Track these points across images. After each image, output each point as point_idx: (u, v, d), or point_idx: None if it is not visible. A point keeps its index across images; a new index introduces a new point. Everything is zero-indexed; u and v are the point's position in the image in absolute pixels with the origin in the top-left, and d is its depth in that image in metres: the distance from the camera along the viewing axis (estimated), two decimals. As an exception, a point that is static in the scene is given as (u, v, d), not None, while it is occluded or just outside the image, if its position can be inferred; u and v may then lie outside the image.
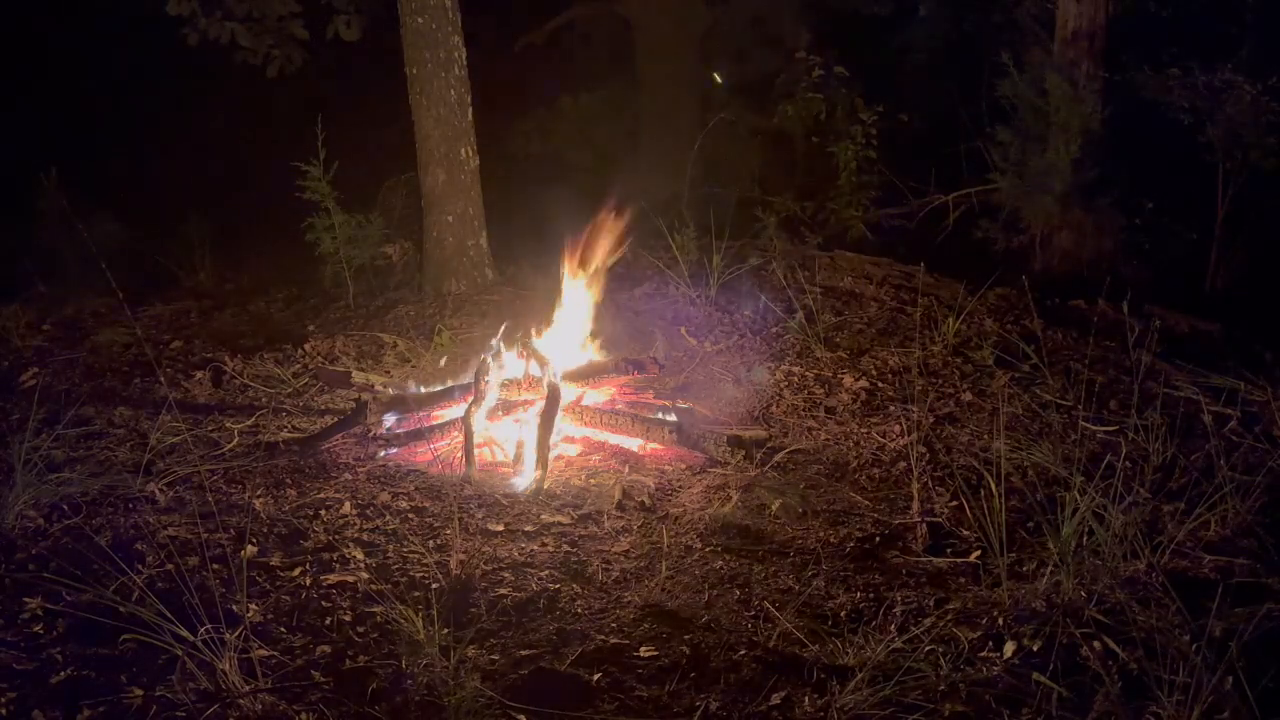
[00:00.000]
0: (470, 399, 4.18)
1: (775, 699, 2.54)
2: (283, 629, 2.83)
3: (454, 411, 4.33)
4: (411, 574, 3.17)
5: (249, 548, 3.22)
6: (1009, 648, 2.67)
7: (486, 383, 4.22)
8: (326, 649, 2.75)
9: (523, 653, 2.75)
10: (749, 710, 2.51)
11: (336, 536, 3.37)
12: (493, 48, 8.59)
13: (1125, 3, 7.12)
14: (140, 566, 3.04)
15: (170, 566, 3.05)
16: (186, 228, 7.53)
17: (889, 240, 7.82)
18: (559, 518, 3.61)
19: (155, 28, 7.31)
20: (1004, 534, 2.96)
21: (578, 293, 4.77)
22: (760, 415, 4.53)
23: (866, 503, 3.74)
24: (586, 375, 4.53)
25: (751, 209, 7.73)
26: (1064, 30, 7.14)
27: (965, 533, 3.41)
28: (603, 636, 2.85)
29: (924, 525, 3.43)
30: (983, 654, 2.68)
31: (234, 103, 9.71)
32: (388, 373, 5.16)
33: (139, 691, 2.50)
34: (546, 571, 3.22)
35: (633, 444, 4.30)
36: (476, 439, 4.07)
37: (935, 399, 4.54)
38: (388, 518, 3.53)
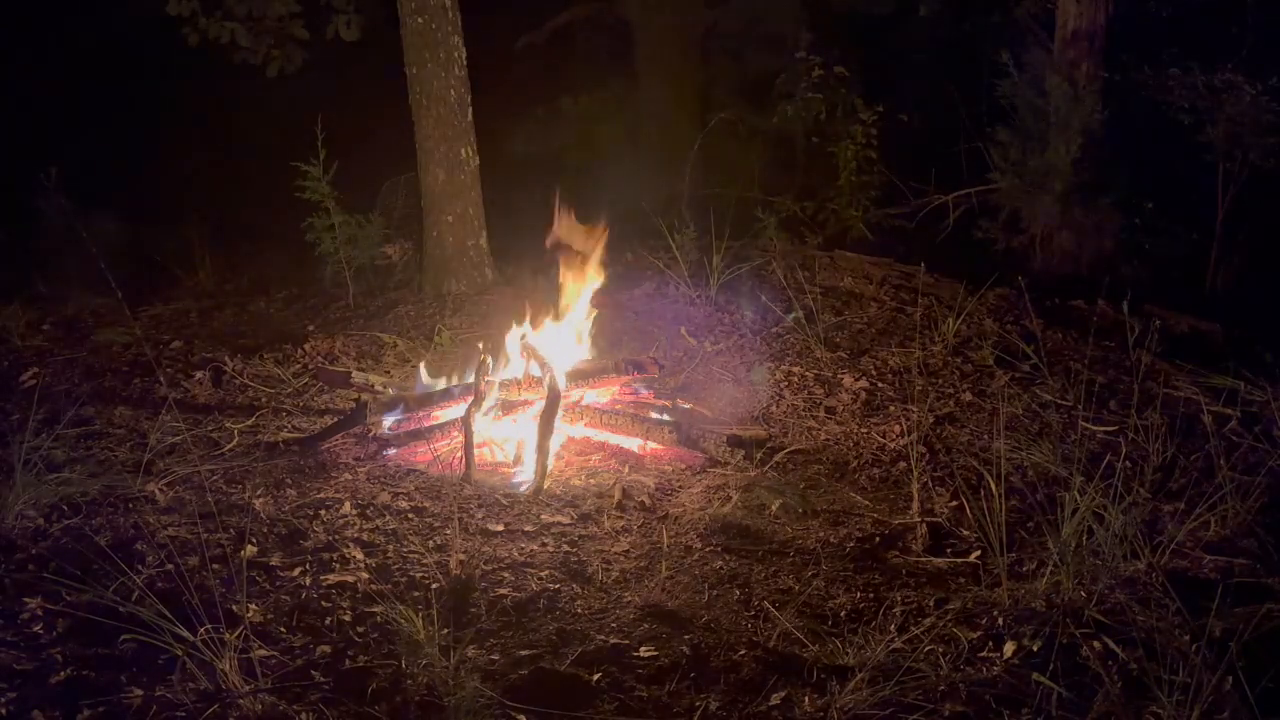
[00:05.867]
0: (470, 399, 4.18)
1: (775, 699, 2.54)
2: (283, 629, 2.83)
3: (454, 411, 4.33)
4: (411, 574, 3.17)
5: (249, 548, 3.22)
6: (1009, 648, 2.67)
7: (487, 383, 4.22)
8: (326, 649, 2.75)
9: (523, 653, 2.75)
10: (749, 710, 2.51)
11: (336, 536, 3.37)
12: (493, 48, 8.59)
13: (1125, 3, 7.11)
14: (140, 566, 3.04)
15: (170, 566, 3.05)
16: (186, 228, 7.53)
17: (889, 240, 7.82)
18: (559, 518, 3.61)
19: (155, 27, 7.30)
20: (1004, 534, 2.96)
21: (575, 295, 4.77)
22: (760, 415, 4.53)
23: (866, 503, 3.74)
24: (587, 375, 4.53)
25: (751, 209, 7.73)
26: (1064, 30, 7.14)
27: (965, 533, 3.41)
28: (603, 636, 2.85)
29: (924, 525, 3.43)
30: (983, 654, 2.68)
31: (234, 103, 9.71)
32: (388, 373, 5.16)
33: (139, 691, 2.50)
34: (546, 571, 3.22)
35: (633, 444, 4.30)
36: (476, 439, 4.07)
37: (935, 399, 4.54)
38: (388, 518, 3.53)
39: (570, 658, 2.74)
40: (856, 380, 4.76)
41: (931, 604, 2.95)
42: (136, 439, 4.19)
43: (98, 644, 2.70)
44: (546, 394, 4.18)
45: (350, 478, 3.88)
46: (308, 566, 3.17)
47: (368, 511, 3.58)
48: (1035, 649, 2.65)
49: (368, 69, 8.46)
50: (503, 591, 3.08)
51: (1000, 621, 2.80)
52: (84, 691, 2.51)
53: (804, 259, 6.57)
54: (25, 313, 6.04)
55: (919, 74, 9.25)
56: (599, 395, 4.63)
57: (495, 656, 2.74)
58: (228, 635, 2.53)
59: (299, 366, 5.20)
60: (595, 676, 2.65)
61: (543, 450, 3.94)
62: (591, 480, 4.01)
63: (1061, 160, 6.81)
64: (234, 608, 2.76)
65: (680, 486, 3.92)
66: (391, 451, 4.12)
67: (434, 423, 4.34)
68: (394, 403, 4.34)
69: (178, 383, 4.95)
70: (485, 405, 4.17)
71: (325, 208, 6.45)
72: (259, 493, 3.68)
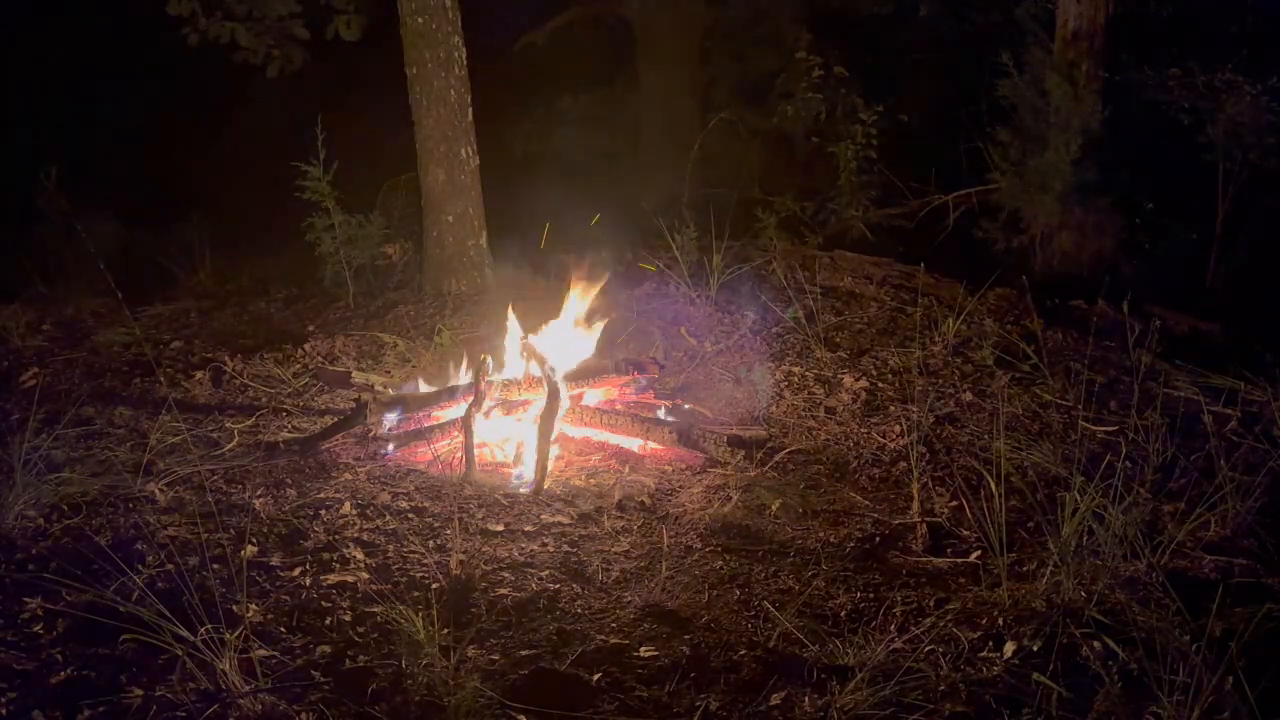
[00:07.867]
0: (470, 399, 4.18)
1: (775, 699, 2.54)
2: (283, 629, 2.83)
3: (454, 411, 4.32)
4: (411, 574, 3.17)
5: (249, 548, 3.22)
6: (1009, 648, 2.68)
7: (487, 383, 4.22)
8: (326, 649, 2.75)
9: (523, 653, 2.75)
10: (749, 710, 2.51)
11: (336, 536, 3.37)
12: (493, 48, 8.60)
13: (1125, 3, 7.12)
14: (140, 566, 3.04)
15: (170, 566, 3.05)
16: (186, 228, 7.53)
17: (889, 240, 7.83)
18: (559, 518, 3.61)
19: (155, 27, 7.31)
20: (1004, 534, 2.96)
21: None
22: (760, 415, 4.53)
23: (866, 503, 3.74)
24: (587, 375, 4.53)
25: (751, 209, 7.73)
26: (1064, 30, 7.14)
27: (965, 533, 3.41)
28: (603, 636, 2.85)
29: (924, 525, 3.43)
30: (983, 654, 2.68)
31: (234, 103, 9.72)
32: (388, 373, 5.16)
33: (139, 691, 2.50)
34: (546, 571, 3.21)
35: (633, 444, 4.30)
36: (476, 439, 4.07)
37: (935, 399, 4.54)
38: (388, 518, 3.53)
39: (570, 658, 2.74)
40: (856, 380, 4.76)
41: (931, 604, 2.95)
42: (136, 439, 4.19)
43: (98, 644, 2.70)
44: (546, 394, 4.18)
45: (350, 478, 3.88)
46: (308, 566, 3.17)
47: (368, 511, 3.58)
48: (1035, 649, 2.65)
49: (368, 69, 8.47)
50: (503, 591, 3.08)
51: (1000, 621, 2.80)
52: (84, 691, 2.51)
53: (804, 259, 6.57)
54: (25, 313, 6.03)
55: (919, 74, 9.26)
56: (599, 395, 4.63)
57: (495, 656, 2.74)
58: (228, 635, 2.53)
59: (299, 366, 5.20)
60: (595, 676, 2.65)
61: (543, 451, 3.94)
62: (591, 480, 4.01)
63: (1061, 160, 6.81)
64: (234, 608, 2.76)
65: (680, 486, 3.92)
66: (391, 451, 4.12)
67: (435, 422, 4.34)
68: (394, 402, 4.34)
69: (178, 383, 4.95)
70: (485, 405, 4.17)
71: (325, 208, 6.45)
72: (259, 493, 3.68)
